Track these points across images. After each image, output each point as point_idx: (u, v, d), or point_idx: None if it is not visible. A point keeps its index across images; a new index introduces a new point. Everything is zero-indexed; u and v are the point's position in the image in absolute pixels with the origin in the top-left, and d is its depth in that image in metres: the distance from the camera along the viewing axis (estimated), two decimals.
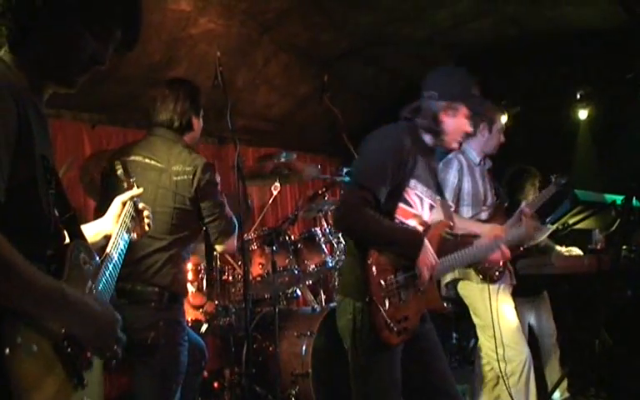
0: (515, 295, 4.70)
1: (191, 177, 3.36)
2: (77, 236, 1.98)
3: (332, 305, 5.21)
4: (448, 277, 4.62)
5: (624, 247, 5.24)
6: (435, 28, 6.77)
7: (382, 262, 2.97)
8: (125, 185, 2.59)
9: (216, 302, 5.34)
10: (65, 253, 1.86)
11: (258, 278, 5.15)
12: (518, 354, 4.36)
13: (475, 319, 4.62)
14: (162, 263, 3.31)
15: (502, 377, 4.28)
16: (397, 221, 3.09)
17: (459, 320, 7.90)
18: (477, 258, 3.37)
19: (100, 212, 3.57)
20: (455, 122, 3.19)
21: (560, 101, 7.25)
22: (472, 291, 4.51)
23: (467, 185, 4.54)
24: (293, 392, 4.77)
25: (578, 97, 7.42)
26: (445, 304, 3.40)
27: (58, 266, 1.81)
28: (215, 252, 5.39)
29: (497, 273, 4.41)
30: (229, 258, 5.57)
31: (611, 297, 5.00)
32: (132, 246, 3.33)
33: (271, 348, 5.07)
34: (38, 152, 1.76)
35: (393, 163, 2.99)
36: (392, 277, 2.99)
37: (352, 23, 6.49)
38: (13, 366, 1.54)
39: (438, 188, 3.37)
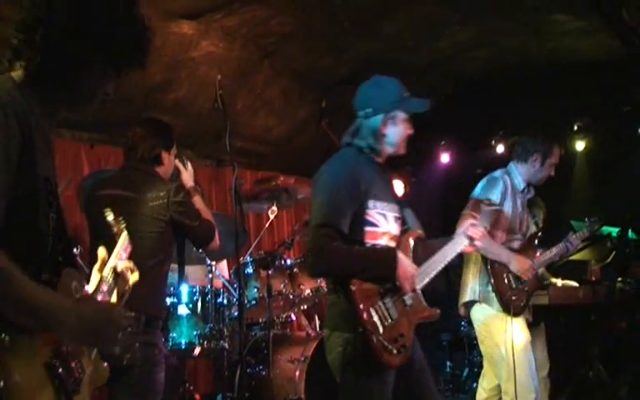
0: None
1: (165, 200, 3.51)
2: (71, 264, 1.98)
3: None
4: (467, 297, 4.46)
5: (619, 279, 5.25)
6: (435, 57, 6.82)
7: (366, 289, 2.95)
8: (115, 230, 2.64)
9: (210, 324, 5.33)
10: (58, 280, 1.87)
11: (253, 302, 5.13)
12: (532, 393, 4.18)
13: (482, 347, 4.48)
14: (141, 288, 3.35)
15: None
16: (368, 244, 3.07)
17: (453, 349, 7.91)
18: (451, 256, 3.33)
19: (91, 237, 3.63)
20: (396, 131, 3.20)
21: (558, 132, 7.29)
22: (489, 318, 4.35)
23: (507, 208, 4.41)
24: None
25: (576, 128, 7.48)
26: (437, 310, 3.38)
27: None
28: (210, 275, 5.39)
29: (522, 305, 4.28)
30: (225, 283, 5.56)
31: (606, 329, 5.00)
32: None
33: (264, 373, 5.05)
34: (42, 174, 1.78)
35: (347, 193, 2.98)
36: (380, 301, 2.98)
37: (351, 50, 6.53)
38: (7, 384, 1.56)
39: (399, 200, 3.35)
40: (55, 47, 1.80)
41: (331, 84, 6.95)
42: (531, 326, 5.10)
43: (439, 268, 3.25)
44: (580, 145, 7.55)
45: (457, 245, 3.35)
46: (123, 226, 2.64)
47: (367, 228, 3.06)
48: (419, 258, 3.22)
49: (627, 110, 6.05)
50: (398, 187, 8.15)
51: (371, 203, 3.06)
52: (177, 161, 3.89)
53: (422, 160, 8.58)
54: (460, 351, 7.73)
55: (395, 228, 3.21)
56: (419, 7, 5.77)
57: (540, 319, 5.23)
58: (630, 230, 4.78)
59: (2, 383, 1.55)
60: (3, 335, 1.60)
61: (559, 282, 5.33)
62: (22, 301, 1.62)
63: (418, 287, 3.14)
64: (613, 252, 5.19)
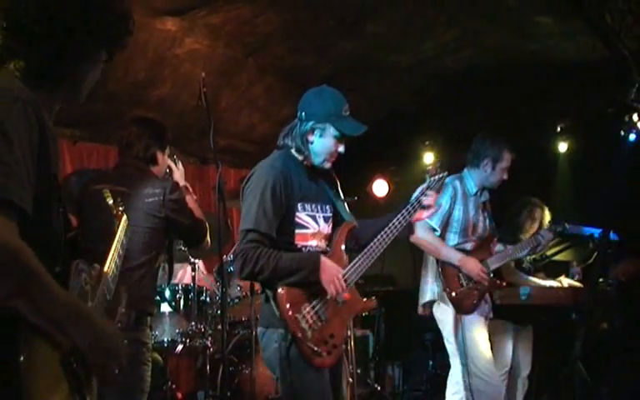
0: (501, 319, 4.72)
1: (161, 197, 3.54)
2: (80, 254, 1.99)
3: None
4: (426, 297, 4.62)
5: (601, 279, 5.29)
6: (419, 57, 6.82)
7: (293, 295, 3.02)
8: (114, 212, 2.67)
9: (192, 322, 5.31)
10: (69, 271, 1.87)
11: (236, 300, 5.12)
12: (488, 386, 4.32)
13: (447, 345, 4.60)
14: (134, 282, 3.42)
15: None
16: (298, 246, 3.15)
17: (436, 348, 7.92)
18: (384, 245, 3.30)
19: (83, 231, 3.62)
20: (322, 143, 3.20)
21: (540, 133, 7.33)
22: (447, 316, 4.49)
23: (457, 213, 4.55)
24: None
25: (559, 129, 7.51)
26: (373, 299, 3.44)
27: (63, 284, 1.81)
28: (193, 273, 5.39)
29: (473, 302, 4.40)
30: (206, 282, 5.55)
31: (587, 329, 5.03)
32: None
33: (246, 371, 5.04)
34: (53, 170, 1.79)
35: (272, 198, 3.03)
36: (307, 305, 3.04)
37: (335, 49, 6.53)
38: (28, 375, 1.56)
39: (330, 198, 3.37)
40: (53, 40, 1.79)
41: (315, 83, 6.90)
42: (515, 327, 5.16)
43: (380, 251, 3.26)
44: (563, 146, 7.59)
45: (404, 217, 3.32)
46: (122, 209, 2.65)
47: (297, 231, 3.14)
48: (359, 242, 3.29)
49: (610, 112, 6.07)
50: (381, 186, 8.18)
51: (299, 206, 3.14)
52: (169, 160, 3.90)
53: (406, 160, 8.59)
54: (443, 350, 7.73)
55: (326, 228, 3.28)
56: (403, 7, 5.77)
57: (526, 321, 5.27)
58: (612, 231, 4.81)
59: (22, 357, 1.55)
60: None
61: (547, 282, 5.34)
62: (50, 308, 1.63)
63: (354, 280, 3.20)
64: (595, 253, 5.22)
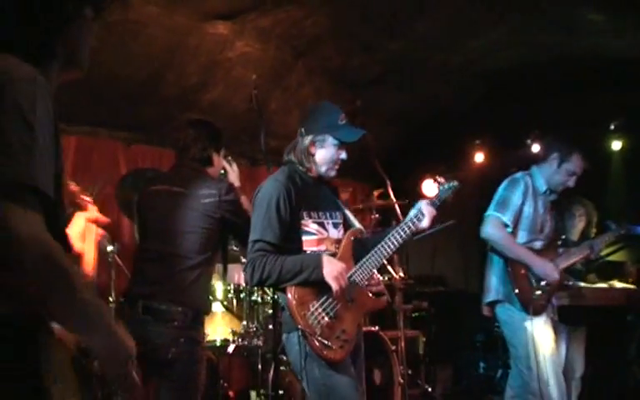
0: (557, 321, 4.66)
1: (217, 198, 3.58)
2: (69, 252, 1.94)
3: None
4: (491, 297, 4.50)
5: None
6: (468, 56, 6.79)
7: (301, 294, 3.17)
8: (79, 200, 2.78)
9: (244, 322, 5.37)
10: None
11: None
12: (557, 390, 4.24)
13: (510, 348, 4.49)
14: (190, 282, 3.48)
15: None
16: (307, 252, 3.29)
17: (487, 349, 7.86)
18: (393, 250, 3.38)
19: (141, 231, 3.72)
20: (324, 153, 3.39)
21: (594, 131, 7.22)
22: (513, 317, 4.37)
23: (527, 209, 4.46)
24: None
25: (612, 127, 7.38)
26: (383, 298, 3.52)
27: None
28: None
29: (543, 304, 4.32)
30: None
31: None
32: (162, 263, 3.48)
33: None
34: (59, 165, 1.75)
35: (277, 209, 3.22)
36: (316, 303, 3.17)
37: (383, 49, 6.54)
38: (49, 353, 1.59)
39: (339, 205, 3.54)
40: (48, 13, 1.76)
41: (363, 83, 6.96)
42: (569, 328, 5.09)
43: (386, 256, 3.37)
44: (616, 144, 7.45)
45: (404, 230, 3.40)
46: (90, 199, 2.71)
47: (305, 238, 3.31)
48: (362, 253, 3.37)
49: None
50: (431, 187, 8.14)
51: (304, 214, 3.31)
52: (224, 161, 3.97)
53: (457, 159, 8.54)
54: (494, 351, 7.68)
55: (336, 233, 3.44)
56: (451, 6, 5.76)
57: (580, 322, 5.20)
58: None
59: (44, 358, 1.57)
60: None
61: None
62: (77, 310, 1.63)
63: (362, 280, 3.31)
64: None
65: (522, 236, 4.46)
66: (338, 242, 3.40)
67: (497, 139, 8.05)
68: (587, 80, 6.87)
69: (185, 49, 5.59)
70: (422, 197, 7.00)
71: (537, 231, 4.51)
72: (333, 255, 3.30)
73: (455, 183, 3.62)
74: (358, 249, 3.41)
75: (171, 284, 3.45)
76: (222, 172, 4.00)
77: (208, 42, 5.63)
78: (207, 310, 3.66)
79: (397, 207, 5.68)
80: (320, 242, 3.34)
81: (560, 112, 7.04)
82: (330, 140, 3.37)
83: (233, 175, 4.04)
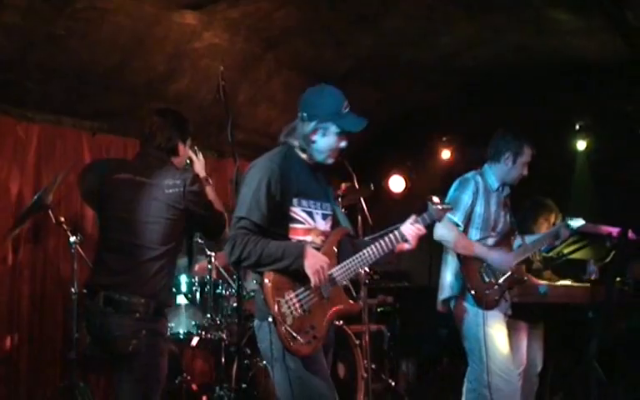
0: (516, 318, 4.70)
1: (182, 189, 3.55)
2: None
3: None
4: (445, 294, 4.59)
5: (618, 278, 5.26)
6: (438, 53, 6.81)
7: (278, 281, 3.12)
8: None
9: (208, 315, 5.34)
10: None
11: (252, 293, 5.14)
12: (507, 384, 4.32)
13: (465, 342, 4.57)
14: (154, 273, 3.46)
15: None
16: (293, 240, 3.22)
17: (451, 344, 7.91)
18: (378, 257, 3.35)
19: (102, 221, 3.67)
20: (326, 141, 3.31)
21: (559, 130, 7.29)
22: (466, 312, 4.46)
23: (479, 208, 4.52)
24: None
25: (577, 127, 7.47)
26: (359, 303, 3.50)
27: None
28: (209, 266, 5.41)
29: (495, 299, 4.37)
30: (224, 272, 5.58)
31: (603, 328, 5.00)
32: (124, 254, 3.45)
33: (261, 364, 5.06)
34: None
35: (267, 189, 3.15)
36: (291, 293, 3.12)
37: (354, 44, 6.53)
38: None
39: (330, 198, 3.49)
40: None
41: (333, 78, 6.93)
42: (529, 324, 5.15)
43: (369, 262, 3.33)
44: (581, 144, 7.54)
45: (392, 242, 3.38)
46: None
47: (292, 225, 3.24)
48: (347, 254, 3.33)
49: (630, 110, 6.04)
50: (398, 182, 8.18)
51: (295, 201, 3.24)
52: (189, 151, 3.93)
53: (424, 156, 8.58)
54: (457, 347, 7.71)
55: (323, 225, 3.37)
56: (423, 2, 5.76)
57: (539, 318, 5.26)
58: (630, 230, 4.78)
59: None
60: None
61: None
62: None
63: (341, 280, 3.27)
64: (613, 252, 5.19)
65: (474, 234, 4.53)
66: (325, 234, 3.35)
67: (464, 136, 8.11)
68: (554, 80, 6.94)
69: (152, 38, 5.51)
70: (389, 192, 6.98)
71: (490, 228, 4.57)
72: (318, 248, 3.25)
73: (449, 205, 3.61)
74: (344, 250, 3.36)
75: (133, 275, 3.42)
76: (188, 162, 3.96)
77: (176, 31, 5.56)
78: (169, 302, 3.64)
79: (363, 201, 5.69)
80: (307, 231, 3.28)
81: (526, 110, 7.10)
82: (333, 128, 3.29)
83: (199, 165, 4.00)
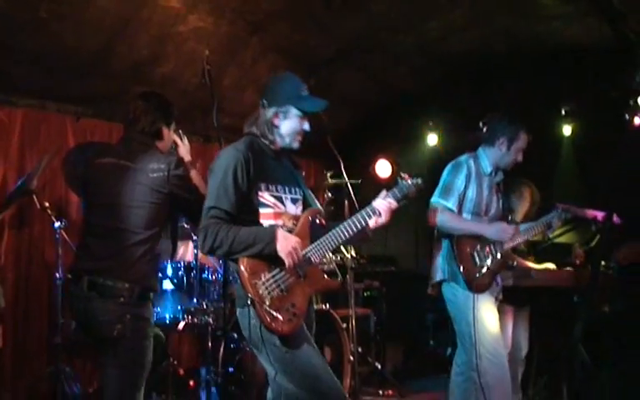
0: (502, 301, 4.72)
1: (166, 173, 3.53)
2: None
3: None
4: (437, 277, 4.56)
5: (603, 262, 5.29)
6: (424, 38, 6.80)
7: (253, 265, 3.15)
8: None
9: (195, 299, 5.34)
10: None
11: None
12: (497, 368, 4.31)
13: (455, 326, 4.55)
14: (137, 258, 3.44)
15: (481, 388, 4.23)
16: (264, 225, 3.27)
17: (437, 328, 7.96)
18: (352, 233, 3.38)
19: (88, 207, 3.64)
20: (288, 124, 3.39)
21: (545, 115, 7.31)
22: (457, 295, 4.44)
23: (471, 192, 4.50)
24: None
25: (563, 112, 7.48)
26: (337, 280, 3.54)
27: None
28: (195, 250, 5.40)
29: (487, 282, 4.38)
30: (208, 259, 5.56)
31: (588, 312, 5.04)
32: (108, 239, 3.43)
33: (248, 348, 5.06)
34: None
35: (234, 178, 3.20)
36: (268, 274, 3.16)
37: (340, 28, 6.51)
38: None
39: (299, 182, 3.53)
40: None
41: (319, 62, 6.93)
42: (514, 307, 5.18)
43: (342, 239, 3.36)
44: (567, 129, 7.57)
45: (364, 217, 3.41)
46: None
47: (262, 210, 3.29)
48: (320, 233, 3.36)
49: (615, 95, 6.05)
50: (384, 167, 8.17)
51: (263, 186, 3.30)
52: (174, 135, 3.90)
53: (410, 140, 8.58)
54: (443, 330, 7.78)
55: (294, 209, 3.42)
56: None
57: (525, 302, 5.28)
58: (615, 214, 4.80)
59: None
60: None
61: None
62: None
63: (316, 259, 3.31)
64: (598, 236, 5.22)
65: (466, 218, 4.51)
66: (296, 218, 3.38)
67: (451, 121, 8.11)
68: (540, 65, 6.95)
69: (136, 21, 5.47)
70: (376, 177, 6.97)
71: (482, 212, 4.56)
72: (290, 231, 3.27)
73: (419, 180, 3.60)
74: (317, 230, 3.38)
75: (117, 260, 3.40)
76: (173, 146, 3.94)
77: (160, 14, 5.52)
78: (154, 286, 3.62)
79: (349, 186, 5.69)
80: (277, 216, 3.32)
81: (512, 95, 7.12)
82: (293, 111, 3.36)
83: (184, 149, 3.98)
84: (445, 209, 4.40)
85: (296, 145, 3.44)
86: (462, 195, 4.48)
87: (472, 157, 4.61)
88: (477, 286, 4.34)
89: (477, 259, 4.40)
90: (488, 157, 4.62)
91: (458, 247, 4.40)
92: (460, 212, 4.49)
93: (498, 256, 4.42)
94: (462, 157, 4.60)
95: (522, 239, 4.73)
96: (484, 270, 4.38)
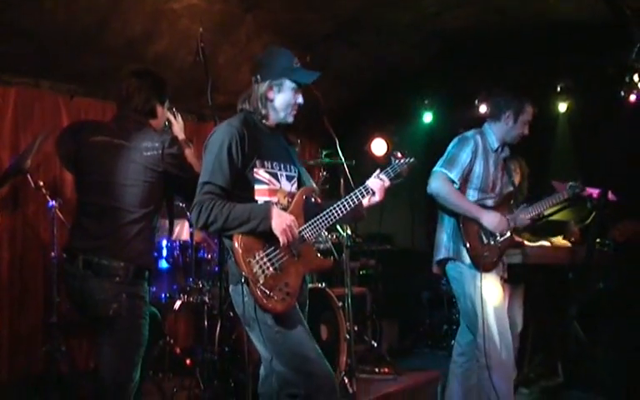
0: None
1: (160, 151, 3.50)
2: None
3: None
4: (441, 255, 4.52)
5: (598, 240, 5.30)
6: (420, 14, 6.76)
7: (247, 242, 3.14)
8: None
9: (190, 279, 5.34)
10: None
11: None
12: (501, 347, 4.27)
13: (460, 304, 4.54)
14: (132, 236, 3.43)
15: (487, 368, 4.21)
16: (259, 202, 3.27)
17: (433, 306, 7.99)
18: (346, 212, 3.38)
19: (80, 185, 3.62)
20: (283, 97, 3.38)
21: (540, 92, 7.29)
22: (462, 274, 4.41)
23: (478, 168, 4.45)
24: None
25: (559, 89, 7.48)
26: (330, 259, 3.54)
27: None
28: (191, 229, 5.40)
29: (493, 260, 4.35)
30: (206, 237, 5.56)
31: (583, 289, 5.06)
32: (103, 217, 3.41)
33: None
34: None
35: (228, 153, 3.19)
36: (262, 252, 3.15)
37: (335, 5, 6.46)
38: None
39: (294, 159, 3.53)
40: None
41: (315, 40, 6.89)
42: (510, 285, 5.18)
43: (336, 218, 3.36)
44: (562, 106, 7.56)
45: (357, 196, 3.41)
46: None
47: (257, 186, 3.28)
48: (315, 212, 3.36)
49: (611, 72, 6.04)
50: (380, 145, 8.16)
51: (258, 162, 3.28)
52: (168, 113, 3.88)
53: (405, 119, 8.56)
54: (439, 308, 7.82)
55: (289, 186, 3.42)
56: None
57: (520, 279, 5.29)
58: (610, 191, 4.81)
59: None
60: None
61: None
62: None
63: (311, 238, 3.31)
64: (593, 214, 5.22)
65: (472, 194, 4.47)
66: (291, 195, 3.37)
67: (446, 99, 8.10)
68: (536, 41, 6.92)
69: None
70: (372, 156, 6.95)
71: (489, 189, 4.52)
72: (285, 209, 3.26)
73: (412, 159, 3.59)
74: (311, 209, 3.38)
75: (112, 239, 3.39)
76: (167, 124, 3.91)
77: None
78: (149, 265, 3.60)
79: (345, 165, 5.67)
80: (272, 193, 3.31)
81: (508, 73, 7.10)
82: (287, 83, 3.36)
83: (178, 127, 3.96)
84: (447, 179, 4.36)
85: (290, 119, 3.43)
86: (468, 170, 4.43)
87: (479, 132, 4.56)
88: (484, 265, 4.30)
89: (483, 237, 4.36)
90: (495, 133, 4.57)
91: (465, 224, 4.35)
92: (465, 186, 4.45)
93: (508, 233, 4.40)
94: (469, 132, 4.55)
95: (531, 215, 4.67)
96: (490, 248, 4.34)
